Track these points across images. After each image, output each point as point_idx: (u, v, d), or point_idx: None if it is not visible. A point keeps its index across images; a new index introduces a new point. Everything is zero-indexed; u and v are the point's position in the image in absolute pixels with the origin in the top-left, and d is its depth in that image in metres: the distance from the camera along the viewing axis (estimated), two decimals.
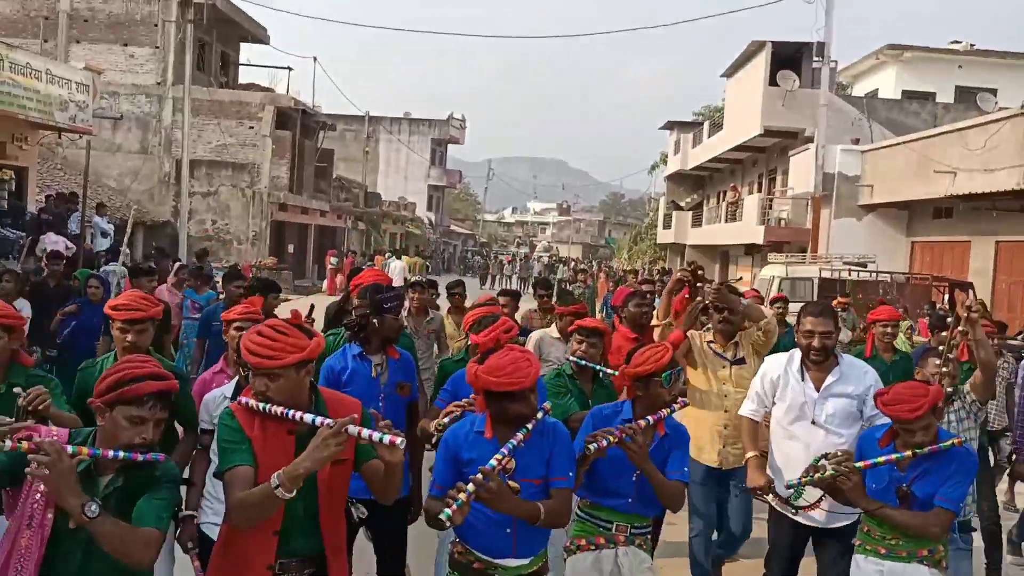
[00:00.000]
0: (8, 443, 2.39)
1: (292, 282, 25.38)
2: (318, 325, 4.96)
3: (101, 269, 11.81)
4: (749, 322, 5.01)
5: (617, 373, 4.25)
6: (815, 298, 15.50)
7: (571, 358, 4.44)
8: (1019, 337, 11.30)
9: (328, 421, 2.57)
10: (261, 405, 2.71)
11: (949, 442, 3.51)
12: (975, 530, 4.70)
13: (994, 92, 24.52)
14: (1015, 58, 26.70)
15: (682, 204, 36.78)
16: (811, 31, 20.92)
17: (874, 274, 16.04)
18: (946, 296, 15.01)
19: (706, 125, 32.88)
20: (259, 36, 29.60)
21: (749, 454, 4.26)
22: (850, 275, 15.61)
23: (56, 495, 2.42)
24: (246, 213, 26.45)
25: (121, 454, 2.55)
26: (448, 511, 2.71)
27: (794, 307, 7.53)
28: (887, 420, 3.71)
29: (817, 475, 3.47)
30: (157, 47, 25.98)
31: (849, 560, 3.89)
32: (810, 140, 21.85)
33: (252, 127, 26.51)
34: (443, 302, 8.67)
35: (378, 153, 49.81)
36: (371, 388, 4.09)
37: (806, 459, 3.85)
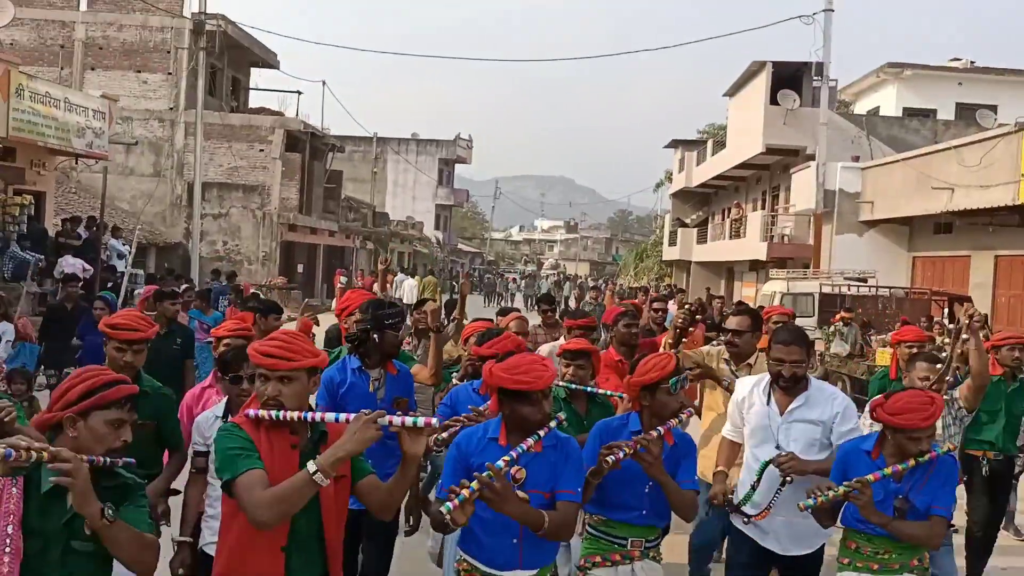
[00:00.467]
0: (34, 454, 2.34)
1: (302, 301, 25.75)
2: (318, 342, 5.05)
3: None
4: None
5: (613, 395, 4.39)
6: (816, 313, 15.81)
7: (561, 383, 4.27)
8: None
9: (363, 410, 2.57)
10: (273, 413, 2.65)
11: (944, 448, 3.55)
12: (955, 529, 4.70)
13: (994, 109, 24.84)
14: (1015, 75, 27.01)
15: (687, 221, 37.10)
16: (810, 51, 21.26)
17: (874, 289, 16.33)
18: (946, 310, 15.27)
19: (709, 143, 33.25)
20: (269, 61, 30.16)
21: (716, 468, 4.20)
22: (849, 290, 15.89)
23: (79, 501, 2.39)
24: (257, 234, 26.88)
25: (108, 460, 2.53)
26: (449, 504, 2.66)
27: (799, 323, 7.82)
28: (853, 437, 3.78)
29: (831, 492, 3.37)
30: (170, 73, 26.54)
31: None
32: (811, 158, 22.17)
33: (262, 150, 27.00)
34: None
35: (386, 173, 50.32)
36: (368, 402, 4.05)
37: (769, 483, 3.87)
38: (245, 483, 2.56)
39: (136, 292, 12.03)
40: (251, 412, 2.69)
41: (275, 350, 2.69)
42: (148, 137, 26.15)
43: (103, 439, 2.55)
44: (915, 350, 6.12)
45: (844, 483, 3.37)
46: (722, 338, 5.18)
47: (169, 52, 26.46)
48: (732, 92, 28.27)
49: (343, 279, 28.75)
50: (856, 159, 21.88)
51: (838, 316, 14.54)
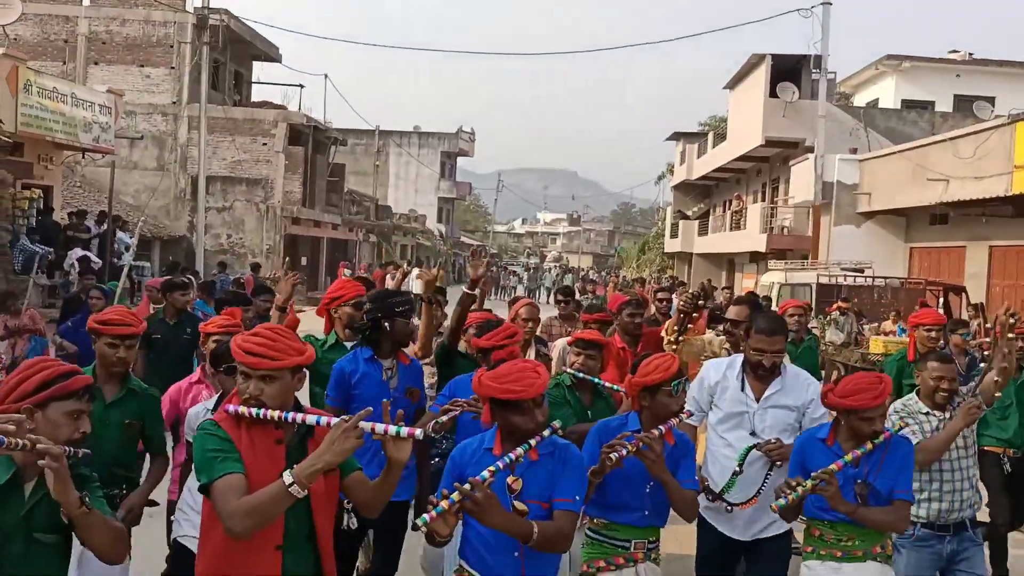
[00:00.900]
0: (21, 442, 2.32)
1: (305, 294, 26.01)
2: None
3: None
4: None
5: (619, 389, 4.31)
6: (814, 303, 16.03)
7: (568, 370, 4.35)
8: None
9: (335, 420, 2.49)
10: (254, 411, 2.58)
11: (896, 427, 3.65)
12: (982, 525, 4.64)
13: (992, 101, 24.98)
14: (1013, 67, 27.17)
15: (688, 213, 37.29)
16: (809, 44, 21.43)
17: (870, 279, 16.54)
18: (941, 300, 15.48)
19: (710, 136, 33.42)
20: (271, 55, 30.35)
21: None
22: (846, 280, 16.10)
23: (60, 488, 2.36)
24: (260, 227, 27.13)
25: (70, 451, 2.49)
26: (426, 516, 2.56)
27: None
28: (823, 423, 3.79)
29: (800, 488, 3.32)
30: (173, 67, 26.74)
31: (782, 572, 3.95)
32: (811, 150, 22.34)
33: (265, 143, 27.22)
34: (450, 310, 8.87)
35: (388, 167, 50.51)
36: (381, 391, 4.08)
37: (751, 470, 3.88)
38: (221, 489, 2.49)
39: (142, 284, 12.26)
40: (231, 408, 2.63)
41: (258, 348, 2.61)
42: (151, 131, 26.37)
43: (62, 430, 2.52)
44: (933, 333, 6.13)
45: (811, 476, 3.34)
46: (722, 327, 5.22)
47: (172, 46, 26.65)
48: (732, 85, 28.43)
49: (347, 272, 29.06)
50: (854, 151, 22.05)
51: (834, 306, 14.76)
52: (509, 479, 2.91)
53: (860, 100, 29.55)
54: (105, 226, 16.65)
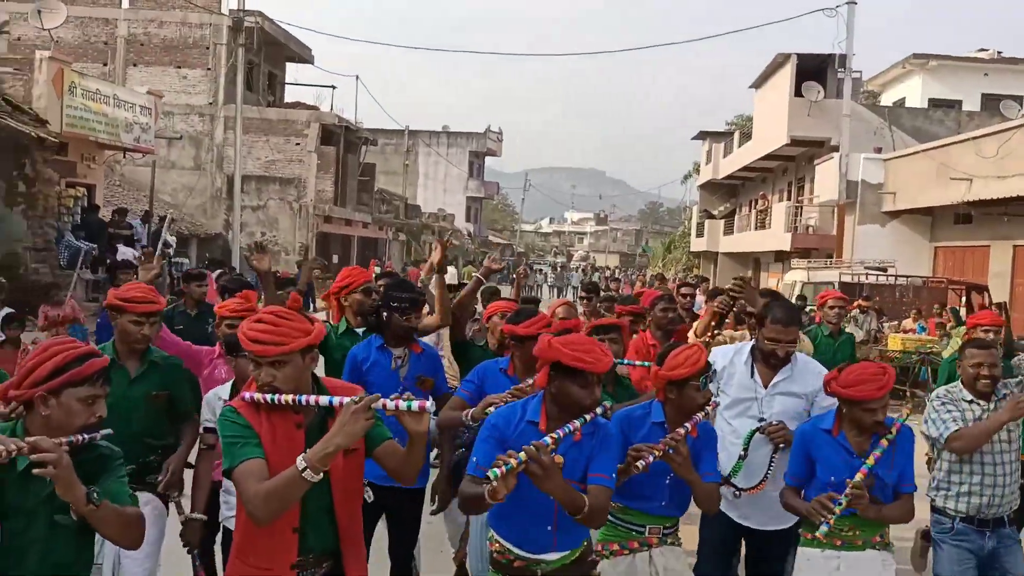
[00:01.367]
0: (13, 451, 2.29)
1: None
2: None
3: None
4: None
5: (645, 364, 4.37)
6: None
7: None
8: None
9: (347, 400, 2.48)
10: (269, 397, 2.59)
11: (903, 415, 3.61)
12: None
13: (1020, 100, 24.92)
14: None
15: (715, 213, 37.43)
16: (833, 44, 21.56)
17: (893, 278, 16.72)
18: (963, 298, 15.64)
19: (736, 135, 33.56)
20: (304, 56, 30.99)
21: None
22: (867, 279, 16.30)
23: (63, 490, 2.34)
24: (293, 225, 27.76)
25: (86, 437, 2.49)
26: (496, 471, 2.54)
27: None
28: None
29: (838, 507, 3.32)
30: (209, 69, 27.44)
31: (785, 565, 3.92)
32: (836, 149, 22.44)
33: (298, 143, 27.85)
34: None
35: (417, 166, 51.11)
36: (391, 380, 4.10)
37: (757, 454, 3.88)
38: (242, 474, 2.52)
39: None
40: (247, 395, 2.64)
41: (263, 335, 2.59)
42: (188, 131, 27.08)
43: (77, 416, 2.48)
44: (991, 334, 5.75)
45: (844, 494, 3.32)
46: (751, 323, 5.19)
47: (208, 48, 27.35)
48: (758, 84, 28.58)
49: (377, 269, 29.64)
50: (879, 150, 22.14)
51: (855, 304, 14.98)
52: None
53: (887, 99, 29.54)
54: (153, 223, 17.27)
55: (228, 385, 4.03)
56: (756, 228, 29.51)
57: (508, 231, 75.88)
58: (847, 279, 16.34)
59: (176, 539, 4.04)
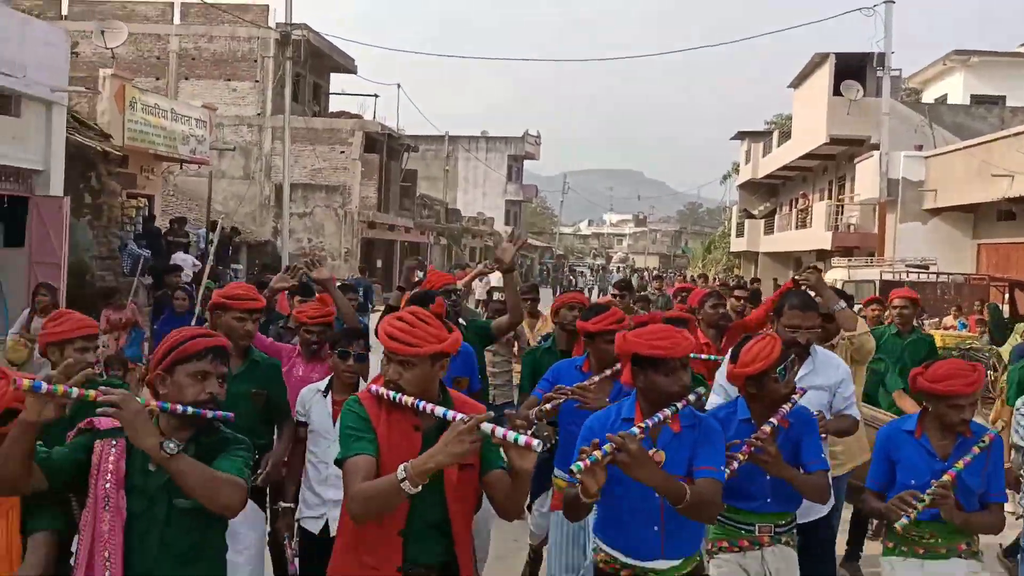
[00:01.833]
0: (75, 391, 2.38)
1: (381, 294, 27.23)
2: None
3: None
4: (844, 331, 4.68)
5: (713, 358, 4.42)
6: None
7: None
8: None
9: (461, 416, 2.45)
10: (392, 394, 2.61)
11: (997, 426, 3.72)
12: None
13: None
14: None
15: (754, 212, 37.44)
16: (871, 42, 21.64)
17: (934, 275, 16.81)
18: (1006, 295, 15.67)
19: (775, 134, 33.58)
20: (348, 67, 31.73)
21: None
22: (908, 276, 16.41)
23: (133, 436, 2.41)
24: (339, 231, 28.47)
25: (190, 410, 2.54)
26: (580, 464, 2.51)
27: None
28: (853, 411, 3.83)
29: (921, 504, 3.19)
30: (257, 81, 28.28)
31: (828, 556, 3.90)
32: (876, 147, 22.48)
33: (343, 152, 28.57)
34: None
35: (457, 171, 51.72)
36: None
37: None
38: (349, 468, 2.54)
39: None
40: (373, 388, 2.69)
41: (398, 333, 2.62)
42: (238, 141, 27.93)
43: (188, 391, 2.57)
44: None
45: (927, 495, 3.20)
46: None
47: (256, 61, 28.19)
48: (796, 84, 28.64)
49: (420, 273, 30.20)
50: (919, 148, 22.14)
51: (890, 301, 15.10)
52: (652, 451, 2.80)
53: (928, 96, 29.38)
54: (217, 233, 17.96)
55: (326, 381, 4.13)
56: (797, 227, 29.55)
57: (547, 234, 76.22)
58: (888, 277, 16.48)
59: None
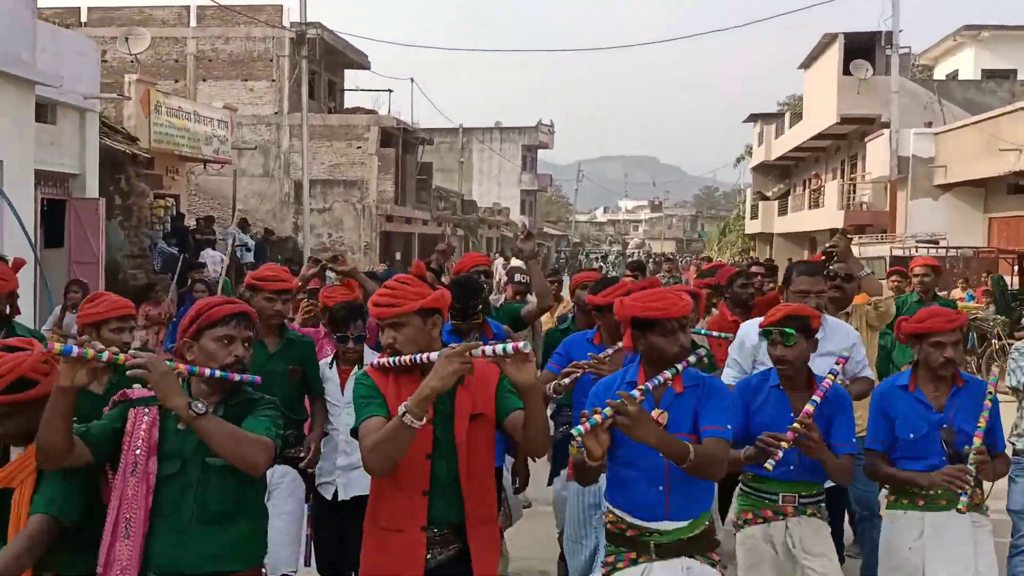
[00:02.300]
0: (105, 354, 2.40)
1: None
2: None
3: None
4: (868, 295, 4.73)
5: (727, 336, 4.48)
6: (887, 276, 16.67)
7: None
8: None
9: (452, 344, 2.57)
10: (390, 360, 2.68)
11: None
12: None
13: None
14: None
15: (768, 194, 37.63)
16: (879, 21, 21.82)
17: (944, 250, 17.09)
18: (1015, 267, 15.95)
19: (787, 116, 33.76)
20: (361, 63, 32.19)
21: None
22: (917, 251, 16.70)
23: (162, 396, 2.46)
24: (357, 225, 28.98)
25: (218, 373, 2.60)
26: (580, 427, 2.55)
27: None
28: (867, 374, 3.96)
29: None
30: (273, 80, 28.80)
31: (835, 524, 3.91)
32: (887, 125, 22.67)
33: (360, 147, 29.06)
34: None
35: (472, 162, 52.10)
36: None
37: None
38: (363, 431, 2.62)
39: None
40: (375, 361, 2.80)
41: (381, 298, 2.73)
42: (257, 140, 28.49)
43: (214, 355, 2.64)
44: None
45: (970, 461, 3.27)
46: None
47: (272, 60, 28.70)
48: (806, 64, 28.82)
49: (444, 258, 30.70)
50: (929, 125, 22.32)
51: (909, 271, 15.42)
52: (655, 412, 2.84)
53: (940, 72, 29.47)
54: (250, 232, 18.51)
55: (330, 358, 4.37)
56: (810, 207, 29.78)
57: (563, 222, 76.52)
58: (898, 252, 16.79)
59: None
